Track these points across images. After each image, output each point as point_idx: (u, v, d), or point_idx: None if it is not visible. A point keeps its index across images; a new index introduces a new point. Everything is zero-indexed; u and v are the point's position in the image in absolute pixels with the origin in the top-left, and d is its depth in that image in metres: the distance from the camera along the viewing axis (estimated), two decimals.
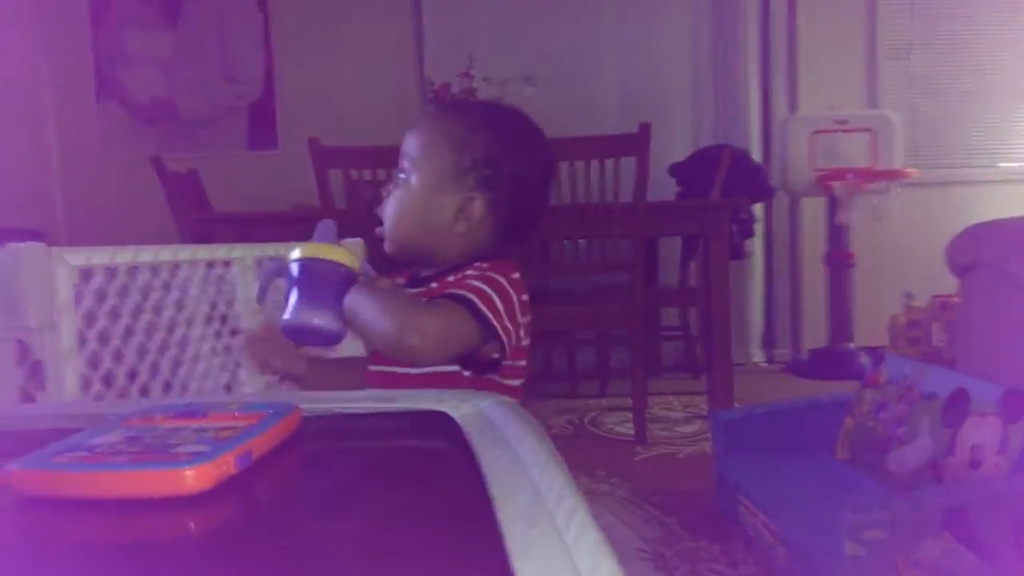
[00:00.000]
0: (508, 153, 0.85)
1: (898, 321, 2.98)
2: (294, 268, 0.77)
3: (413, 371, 0.81)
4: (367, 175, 2.24)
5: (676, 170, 3.31)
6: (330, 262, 0.76)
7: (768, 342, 3.81)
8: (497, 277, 0.81)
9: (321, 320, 0.75)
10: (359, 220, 1.21)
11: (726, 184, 2.89)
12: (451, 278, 0.84)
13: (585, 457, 2.25)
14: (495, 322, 0.78)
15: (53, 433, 0.46)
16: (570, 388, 3.21)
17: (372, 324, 0.76)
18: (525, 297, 0.84)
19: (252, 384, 1.38)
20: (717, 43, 3.77)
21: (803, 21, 3.65)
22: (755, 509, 1.47)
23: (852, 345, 3.38)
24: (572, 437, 2.52)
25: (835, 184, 3.23)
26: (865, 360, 3.35)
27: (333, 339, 0.77)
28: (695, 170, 3.21)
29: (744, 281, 3.69)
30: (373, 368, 0.86)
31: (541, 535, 0.33)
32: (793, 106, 3.69)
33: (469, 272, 0.83)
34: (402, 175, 0.86)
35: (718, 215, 2.45)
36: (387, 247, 0.87)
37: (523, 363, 0.86)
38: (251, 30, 3.59)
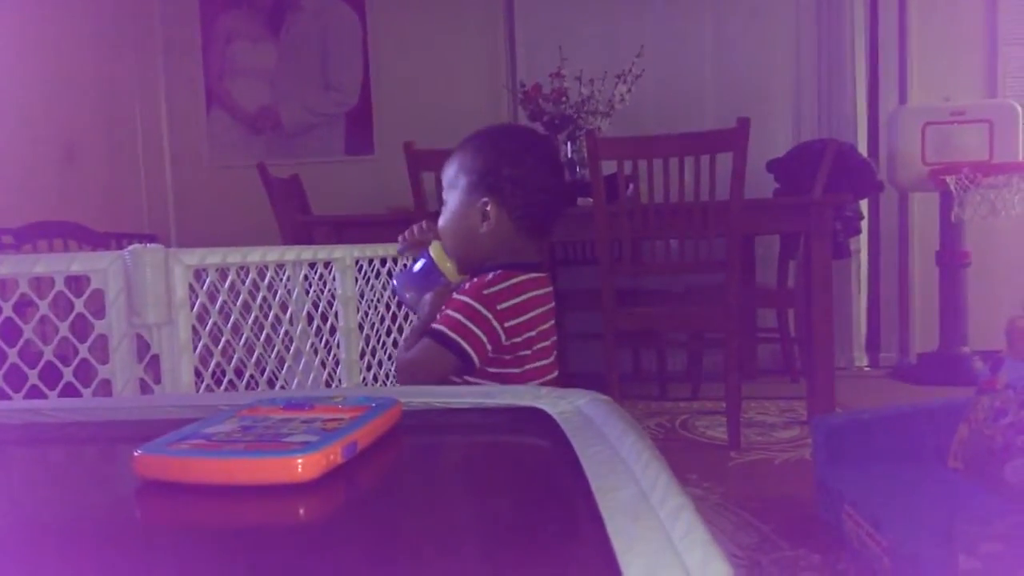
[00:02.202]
0: (504, 162, 1.05)
1: (1017, 323, 2.75)
2: (423, 254, 1.12)
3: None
4: None
5: (775, 166, 3.20)
6: (435, 265, 1.10)
7: (872, 345, 3.62)
8: (468, 300, 1.02)
9: (405, 295, 1.14)
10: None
11: (830, 180, 2.76)
12: (465, 284, 1.08)
13: (676, 460, 2.18)
14: (467, 347, 1.00)
15: (172, 422, 0.48)
16: (660, 390, 3.15)
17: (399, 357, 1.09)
18: (513, 302, 1.03)
19: (350, 379, 1.42)
20: (821, 32, 3.61)
21: (914, 6, 3.45)
22: (861, 519, 1.40)
23: (966, 349, 3.17)
24: (663, 440, 2.47)
25: (949, 179, 3.03)
26: (980, 365, 3.13)
27: (410, 309, 1.18)
28: (795, 166, 3.09)
29: (847, 281, 3.53)
30: None
31: (647, 530, 0.32)
32: (903, 97, 3.49)
33: (462, 293, 1.05)
34: (444, 200, 1.11)
35: (821, 212, 2.34)
36: (452, 261, 1.10)
37: (529, 356, 1.05)
38: (350, 40, 3.72)
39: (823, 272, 2.37)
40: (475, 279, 1.06)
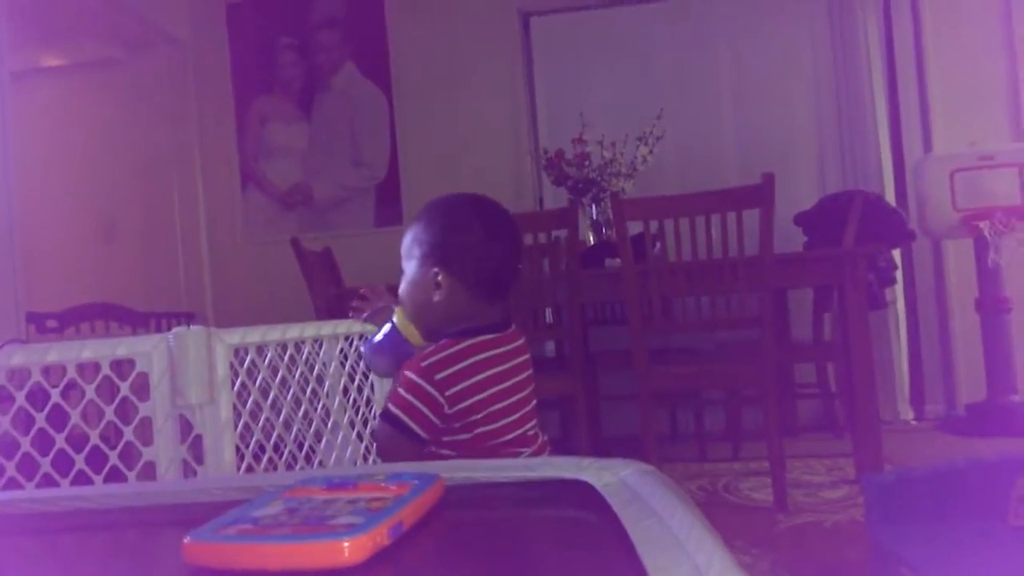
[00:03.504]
0: (451, 233, 1.10)
1: None
2: (388, 324, 1.17)
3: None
4: None
5: (802, 219, 3.19)
6: (399, 333, 1.15)
7: (916, 397, 3.51)
8: (413, 378, 1.06)
9: (374, 362, 1.20)
10: None
11: (859, 231, 2.74)
12: (410, 360, 1.11)
13: (722, 525, 2.11)
14: (411, 424, 1.04)
15: (217, 505, 0.48)
16: (699, 451, 3.08)
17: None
18: (459, 367, 1.06)
19: None
20: (840, 85, 3.65)
21: (931, 54, 3.47)
22: None
23: (1016, 398, 3.06)
24: (705, 504, 2.40)
25: (982, 224, 2.99)
26: None
27: (381, 375, 1.26)
28: (823, 218, 3.07)
29: (886, 332, 3.45)
30: None
31: None
32: (927, 144, 3.48)
33: (406, 369, 1.09)
34: (404, 271, 1.15)
35: (854, 263, 2.32)
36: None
37: (481, 419, 1.07)
38: (377, 117, 3.85)
39: (860, 324, 2.33)
40: (413, 359, 1.10)
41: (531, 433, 1.13)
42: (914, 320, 3.52)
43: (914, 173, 3.32)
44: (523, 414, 1.11)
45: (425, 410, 1.04)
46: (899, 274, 3.33)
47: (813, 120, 3.69)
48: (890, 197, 3.44)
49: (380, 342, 1.17)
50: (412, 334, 1.14)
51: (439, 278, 1.09)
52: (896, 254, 3.28)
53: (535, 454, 1.12)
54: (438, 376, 1.05)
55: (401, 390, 1.06)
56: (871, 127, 3.56)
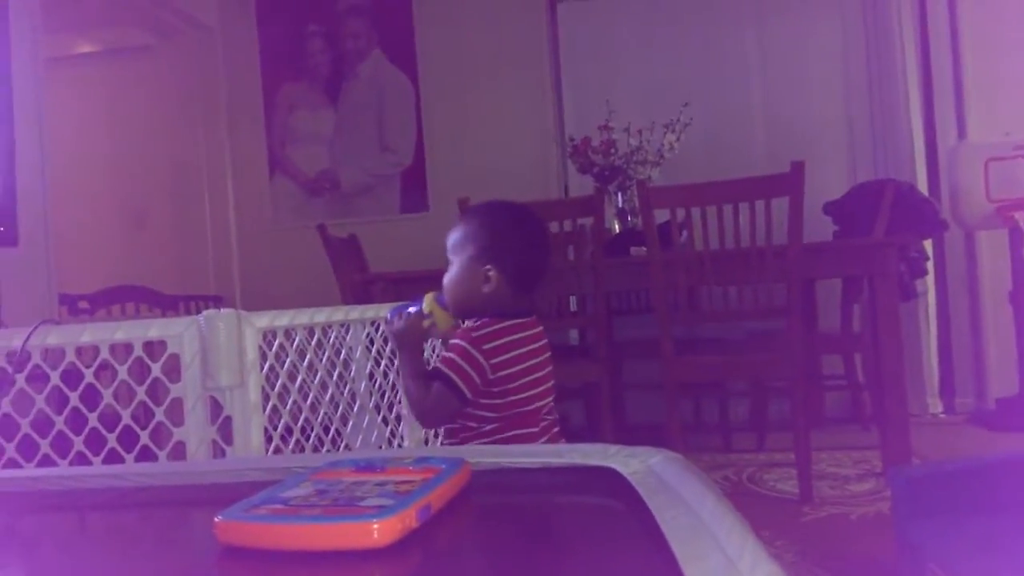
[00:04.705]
0: (505, 237, 1.29)
1: None
2: (416, 303, 1.31)
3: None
4: None
5: (832, 208, 3.14)
6: (422, 313, 1.29)
7: (946, 390, 3.45)
8: (461, 344, 1.23)
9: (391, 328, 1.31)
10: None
11: (891, 220, 2.69)
12: (459, 331, 1.29)
13: (747, 516, 2.09)
14: (458, 380, 1.21)
15: (247, 485, 0.49)
16: (724, 442, 3.06)
17: (406, 394, 1.31)
18: (502, 342, 1.24)
19: (411, 435, 1.43)
20: (872, 71, 3.57)
21: (967, 40, 3.39)
22: None
23: None
24: (730, 495, 2.37)
25: (1017, 215, 2.92)
26: None
27: (391, 336, 1.33)
28: (853, 207, 3.02)
29: (916, 324, 3.39)
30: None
31: None
32: (962, 133, 3.40)
33: (456, 338, 1.26)
34: (450, 262, 1.32)
35: (884, 254, 2.28)
36: (451, 311, 1.30)
37: (514, 388, 1.25)
38: (404, 104, 3.85)
39: (890, 315, 2.29)
40: (463, 328, 1.28)
41: (547, 410, 1.31)
42: (945, 312, 3.46)
43: (948, 162, 3.24)
44: (543, 390, 1.29)
45: (473, 373, 1.21)
46: (930, 265, 3.26)
47: (844, 107, 3.61)
48: (922, 186, 3.36)
49: (407, 314, 1.30)
50: (441, 318, 1.29)
51: (490, 273, 1.27)
52: (928, 245, 3.22)
53: (550, 427, 1.30)
54: (486, 346, 1.23)
55: (453, 355, 1.22)
56: (903, 115, 3.49)
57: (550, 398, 1.31)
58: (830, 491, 2.33)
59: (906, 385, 2.35)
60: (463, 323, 1.31)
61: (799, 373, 2.24)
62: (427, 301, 1.28)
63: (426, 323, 1.29)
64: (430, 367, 1.28)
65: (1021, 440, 2.72)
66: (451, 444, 1.27)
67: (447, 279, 1.31)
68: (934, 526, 1.46)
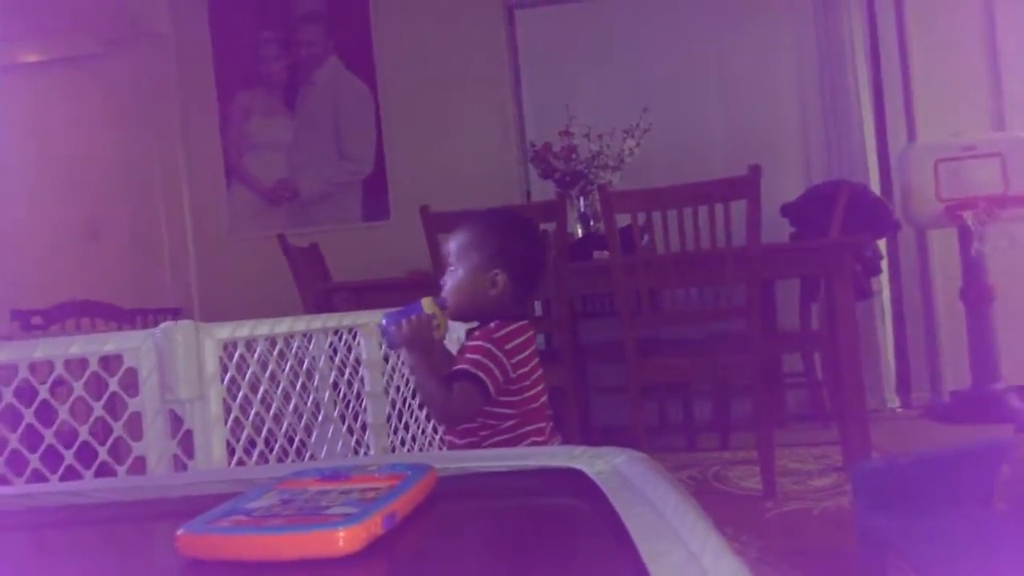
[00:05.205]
0: (510, 245, 1.34)
1: None
2: (415, 307, 1.29)
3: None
4: None
5: (789, 210, 3.21)
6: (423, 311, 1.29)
7: (903, 386, 3.55)
8: (484, 345, 1.28)
9: (389, 331, 1.29)
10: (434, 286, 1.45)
11: (845, 221, 2.76)
12: (474, 333, 1.33)
13: (710, 514, 2.12)
14: (483, 378, 1.25)
15: (210, 498, 0.48)
16: (688, 442, 3.10)
17: (423, 396, 1.35)
18: (517, 342, 1.30)
19: (377, 443, 1.42)
20: (824, 75, 3.67)
21: (915, 45, 3.50)
22: (907, 568, 1.35)
23: (1000, 385, 3.10)
24: (695, 493, 2.41)
25: (966, 214, 3.02)
26: (1016, 401, 3.06)
27: (392, 343, 1.32)
28: (809, 209, 3.09)
29: (872, 321, 3.48)
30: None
31: None
32: (911, 135, 3.51)
33: (473, 340, 1.30)
34: (451, 267, 1.35)
35: (839, 254, 2.34)
36: (451, 314, 1.33)
37: (528, 385, 1.31)
38: (362, 111, 3.83)
39: (847, 313, 2.34)
40: (481, 329, 1.32)
41: (547, 406, 1.36)
42: (899, 309, 3.56)
43: (899, 163, 3.34)
44: (543, 387, 1.35)
45: (496, 371, 1.26)
46: (884, 264, 3.36)
47: (798, 111, 3.70)
48: (875, 187, 3.46)
49: (406, 319, 1.30)
50: (441, 322, 1.32)
51: (498, 277, 1.32)
52: (881, 244, 3.31)
53: (550, 422, 1.36)
54: (507, 346, 1.29)
55: (477, 356, 1.27)
56: (856, 118, 3.59)
57: (546, 395, 1.37)
58: (793, 487, 2.38)
59: (864, 381, 2.40)
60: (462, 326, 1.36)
61: (760, 372, 2.28)
62: (428, 305, 1.29)
63: (436, 325, 1.30)
64: (450, 369, 1.31)
65: (975, 432, 2.81)
66: (468, 444, 1.28)
67: (452, 283, 1.34)
68: (894, 518, 1.50)
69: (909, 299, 3.54)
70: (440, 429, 1.70)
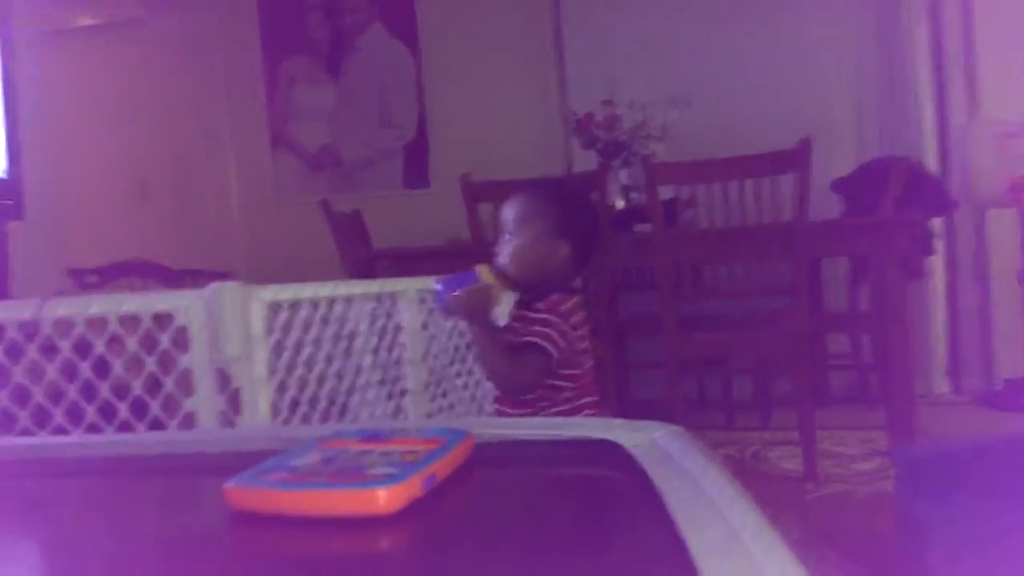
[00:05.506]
0: (575, 217, 1.34)
1: None
2: (470, 276, 1.28)
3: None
4: None
5: (840, 185, 3.12)
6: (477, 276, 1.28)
7: (954, 370, 3.45)
8: (550, 318, 1.28)
9: (445, 299, 1.27)
10: (487, 254, 1.41)
11: (899, 198, 2.67)
12: (534, 305, 1.31)
13: (752, 495, 2.12)
14: (551, 350, 1.26)
15: (256, 454, 0.49)
16: (727, 419, 3.07)
17: (488, 366, 1.32)
18: (580, 316, 1.31)
19: (416, 408, 1.44)
20: (882, 45, 3.52)
21: (980, 15, 3.33)
22: (951, 558, 1.32)
23: None
24: (733, 472, 2.38)
25: None
26: None
27: (448, 311, 1.32)
28: (861, 185, 3.00)
29: (924, 303, 3.38)
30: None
31: (739, 570, 0.31)
32: (974, 110, 3.36)
33: (538, 312, 1.29)
34: (508, 235, 1.32)
35: (891, 232, 2.27)
36: (507, 284, 1.31)
37: (588, 362, 1.34)
38: (405, 78, 3.82)
39: (897, 294, 2.28)
40: (547, 301, 1.30)
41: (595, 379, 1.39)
42: (953, 292, 3.44)
43: (959, 139, 3.21)
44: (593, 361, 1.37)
45: (562, 343, 1.27)
46: (939, 244, 3.25)
47: (853, 82, 3.57)
48: (932, 164, 3.34)
49: (463, 286, 1.28)
50: (498, 291, 1.30)
51: (560, 248, 1.31)
52: (937, 223, 3.20)
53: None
54: (572, 319, 1.29)
55: (545, 328, 1.27)
56: (913, 91, 3.44)
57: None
58: (834, 469, 2.35)
59: (912, 364, 2.35)
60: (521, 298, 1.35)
61: (803, 351, 2.24)
62: (486, 273, 1.27)
63: (495, 294, 1.29)
64: (516, 341, 1.29)
65: None
66: (525, 415, 1.29)
67: (510, 252, 1.32)
68: (937, 505, 1.47)
69: (963, 281, 3.43)
70: (479, 397, 1.71)
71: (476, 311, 1.26)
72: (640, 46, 3.63)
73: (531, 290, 1.34)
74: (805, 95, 3.54)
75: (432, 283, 1.34)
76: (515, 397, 1.31)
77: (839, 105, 3.57)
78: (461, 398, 1.64)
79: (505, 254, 1.32)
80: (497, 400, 1.37)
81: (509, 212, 1.34)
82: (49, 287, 2.27)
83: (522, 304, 1.35)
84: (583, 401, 1.30)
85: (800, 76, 3.56)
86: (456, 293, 1.25)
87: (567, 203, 1.35)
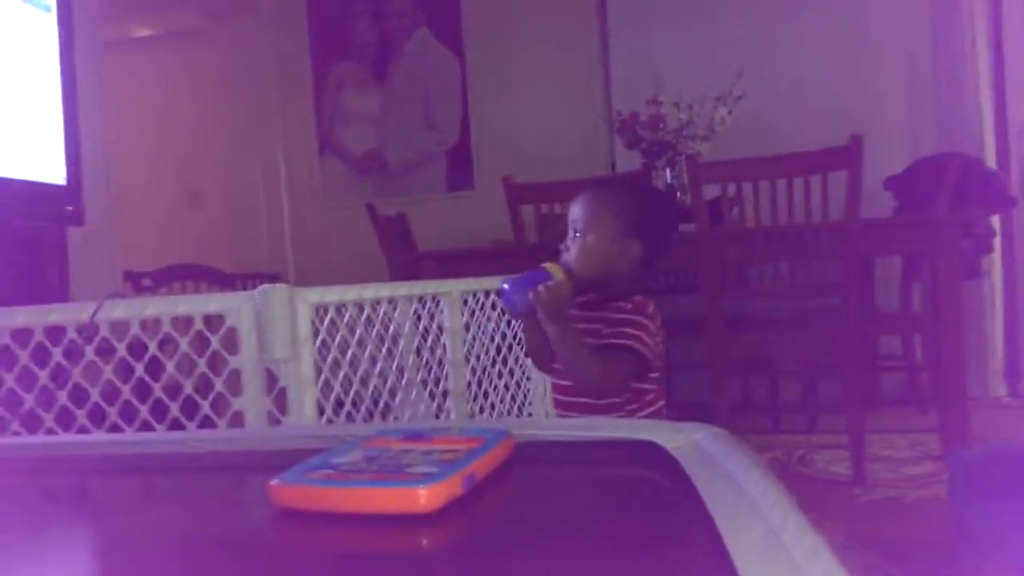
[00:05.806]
0: (645, 214, 1.31)
1: None
2: (541, 273, 1.25)
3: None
4: (557, 209, 2.29)
5: (893, 183, 3.03)
6: (550, 275, 1.24)
7: (1011, 373, 3.33)
8: (640, 320, 1.26)
9: (515, 299, 1.24)
10: (551, 252, 1.37)
11: (956, 195, 2.59)
12: (615, 305, 1.29)
13: (794, 496, 2.08)
14: (646, 353, 1.25)
15: (301, 452, 0.51)
16: (773, 422, 3.02)
17: (576, 368, 1.24)
18: (659, 319, 1.29)
19: (457, 410, 1.45)
20: (937, 37, 3.42)
21: None
22: (1008, 564, 1.28)
23: None
24: (778, 475, 2.34)
25: None
26: None
27: (518, 313, 1.29)
28: (915, 182, 2.91)
29: (980, 303, 3.27)
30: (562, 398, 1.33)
31: (781, 573, 0.31)
32: None
33: (624, 313, 1.27)
34: (578, 234, 1.30)
35: (947, 231, 2.20)
36: (574, 283, 1.27)
37: (663, 362, 1.33)
38: (450, 81, 3.86)
39: (952, 294, 2.21)
40: (634, 303, 1.29)
41: None
42: (1011, 291, 3.32)
43: (1019, 134, 3.10)
44: None
45: (652, 345, 1.27)
46: (997, 242, 3.14)
47: (906, 78, 3.47)
48: (991, 160, 3.23)
49: (534, 285, 1.23)
50: (559, 274, 1.26)
51: (632, 247, 1.29)
52: (995, 221, 3.09)
53: None
54: (657, 321, 1.29)
55: (635, 331, 1.26)
56: (972, 85, 3.33)
57: None
58: (884, 474, 2.29)
59: (966, 366, 2.27)
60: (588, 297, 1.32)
61: (854, 353, 2.18)
62: (557, 271, 1.24)
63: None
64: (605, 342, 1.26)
65: None
66: (617, 417, 1.26)
67: (579, 250, 1.28)
68: (993, 509, 1.42)
69: (1022, 280, 3.30)
70: (520, 398, 1.72)
71: (556, 311, 1.20)
72: (687, 44, 3.59)
73: (596, 289, 1.31)
74: (856, 92, 3.46)
75: (473, 285, 1.34)
76: (601, 399, 1.26)
77: (892, 102, 3.47)
78: (502, 398, 1.65)
79: (573, 252, 1.29)
80: (558, 404, 1.33)
81: (580, 209, 1.30)
82: (105, 290, 2.35)
83: (585, 305, 1.32)
84: (661, 404, 1.28)
85: (851, 72, 3.48)
86: (537, 290, 1.19)
87: (644, 203, 1.33)
